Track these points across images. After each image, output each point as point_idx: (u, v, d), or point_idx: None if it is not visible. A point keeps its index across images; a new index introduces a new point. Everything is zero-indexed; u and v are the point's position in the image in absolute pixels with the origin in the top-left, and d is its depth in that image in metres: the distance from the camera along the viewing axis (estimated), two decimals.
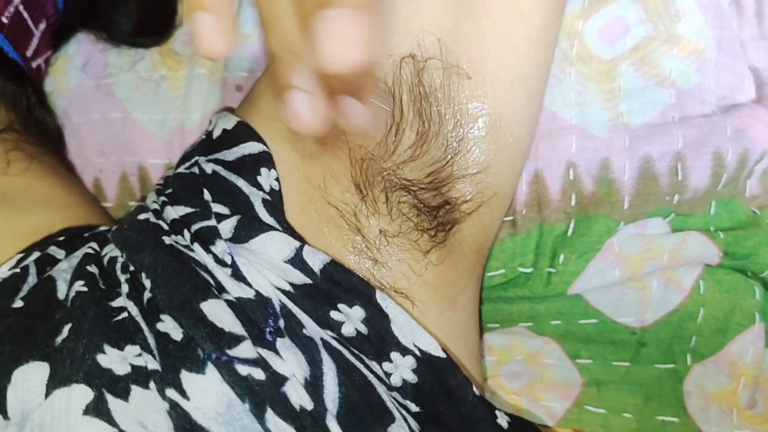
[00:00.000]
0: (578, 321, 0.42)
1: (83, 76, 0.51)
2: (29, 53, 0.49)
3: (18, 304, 0.33)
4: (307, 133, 0.29)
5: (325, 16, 0.20)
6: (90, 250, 0.36)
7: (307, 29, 0.22)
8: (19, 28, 0.48)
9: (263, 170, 0.35)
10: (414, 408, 0.32)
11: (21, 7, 0.48)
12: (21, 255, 0.37)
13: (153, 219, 0.35)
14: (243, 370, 0.29)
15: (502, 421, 0.32)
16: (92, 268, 0.35)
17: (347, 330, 0.32)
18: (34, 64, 0.50)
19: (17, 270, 0.35)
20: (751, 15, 0.49)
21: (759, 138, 0.40)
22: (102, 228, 0.41)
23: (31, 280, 0.35)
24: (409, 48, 0.33)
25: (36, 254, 0.36)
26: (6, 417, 0.28)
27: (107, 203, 0.49)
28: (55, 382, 0.28)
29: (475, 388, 0.32)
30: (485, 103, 0.34)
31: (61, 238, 0.38)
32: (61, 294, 0.33)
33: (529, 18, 0.34)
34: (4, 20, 0.46)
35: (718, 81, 0.43)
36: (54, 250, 0.37)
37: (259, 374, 0.29)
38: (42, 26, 0.50)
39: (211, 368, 0.29)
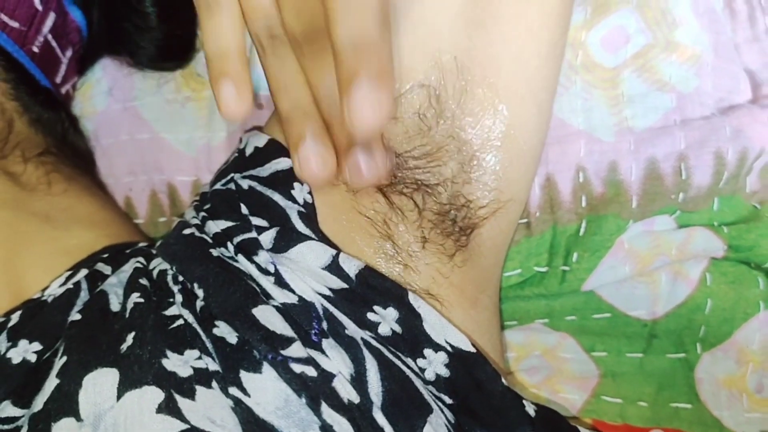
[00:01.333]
0: (592, 316, 0.45)
1: (110, 100, 0.53)
2: (58, 80, 0.52)
3: (76, 317, 0.35)
4: (318, 185, 0.33)
5: (356, 87, 0.23)
6: (138, 265, 0.38)
7: (319, 95, 0.27)
8: (49, 56, 0.50)
9: (296, 185, 0.37)
10: (448, 400, 0.34)
11: (50, 36, 0.50)
12: (69, 272, 0.39)
13: (197, 233, 0.38)
14: (297, 368, 0.31)
15: (530, 409, 0.35)
16: (144, 281, 0.37)
17: (383, 330, 0.35)
18: (62, 90, 0.53)
19: (70, 286, 0.38)
20: (744, 18, 0.52)
21: (757, 137, 0.42)
22: (141, 244, 0.43)
23: (84, 295, 0.37)
24: (427, 66, 0.36)
25: (84, 271, 0.39)
26: (79, 419, 0.30)
27: (138, 220, 0.51)
28: (125, 386, 0.30)
29: (503, 380, 0.35)
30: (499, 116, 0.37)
31: (105, 255, 0.40)
32: (114, 307, 0.36)
33: (539, 34, 0.37)
34: (35, 49, 0.49)
35: (715, 84, 0.45)
36: (101, 267, 0.39)
37: (311, 371, 0.31)
38: (68, 53, 0.52)
39: (267, 368, 0.31)
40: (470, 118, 0.36)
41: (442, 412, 0.33)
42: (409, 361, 0.35)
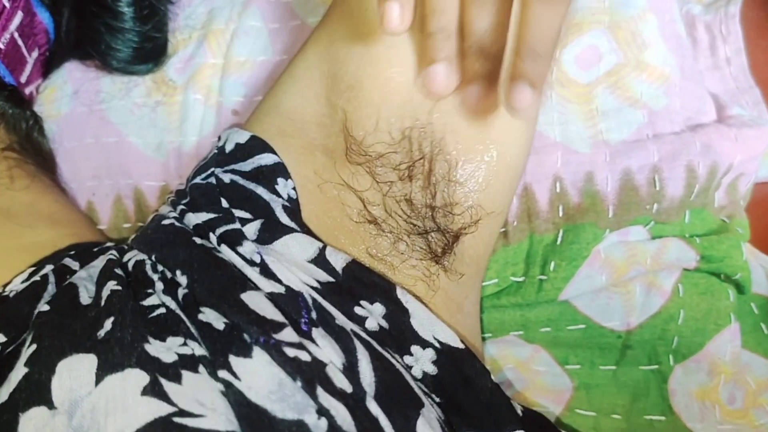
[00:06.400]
0: (567, 327, 0.45)
1: (75, 103, 0.51)
2: (23, 80, 0.50)
3: (44, 308, 0.33)
4: (436, 94, 0.34)
5: (520, 87, 0.29)
6: (111, 257, 0.36)
7: (470, 30, 0.30)
8: (15, 54, 0.48)
9: (280, 180, 0.36)
10: (436, 399, 0.33)
11: (16, 35, 0.48)
12: (33, 268, 0.37)
13: (177, 224, 0.36)
14: (290, 352, 0.29)
15: (517, 408, 0.34)
16: (119, 271, 0.35)
17: (370, 325, 0.34)
18: (26, 91, 0.51)
19: (37, 278, 0.35)
20: (705, 47, 0.54)
21: (725, 152, 0.44)
22: (109, 244, 0.41)
23: (51, 288, 0.35)
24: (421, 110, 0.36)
25: (50, 266, 0.36)
26: (52, 407, 0.28)
27: (101, 226, 0.49)
28: (105, 370, 0.28)
29: (492, 377, 0.34)
30: (492, 137, 0.37)
31: (72, 252, 0.38)
32: (84, 300, 0.33)
33: None
34: (1, 46, 0.47)
35: (683, 103, 0.47)
36: (69, 262, 0.37)
37: (305, 356, 0.30)
38: (35, 54, 0.51)
39: (258, 351, 0.29)
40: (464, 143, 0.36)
41: (433, 407, 0.32)
42: (397, 357, 0.33)
